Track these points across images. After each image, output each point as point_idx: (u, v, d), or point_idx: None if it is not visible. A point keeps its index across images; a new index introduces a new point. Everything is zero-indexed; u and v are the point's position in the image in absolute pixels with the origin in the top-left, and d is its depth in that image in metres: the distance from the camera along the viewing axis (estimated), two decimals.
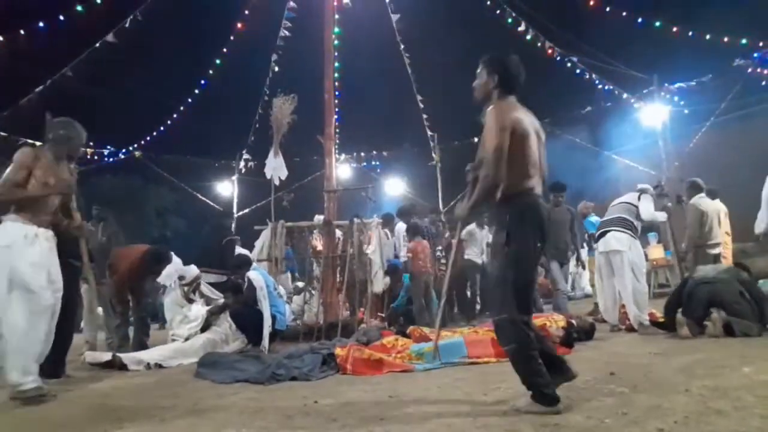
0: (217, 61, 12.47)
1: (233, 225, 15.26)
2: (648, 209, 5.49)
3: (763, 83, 11.62)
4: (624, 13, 11.30)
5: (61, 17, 9.82)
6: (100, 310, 6.01)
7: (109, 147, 14.01)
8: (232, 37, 12.11)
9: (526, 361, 2.55)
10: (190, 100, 13.29)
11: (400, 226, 8.16)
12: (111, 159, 14.26)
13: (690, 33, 11.10)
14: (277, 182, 7.89)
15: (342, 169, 15.07)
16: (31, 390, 3.48)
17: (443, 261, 7.98)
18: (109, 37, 10.24)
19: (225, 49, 12.30)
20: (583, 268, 8.91)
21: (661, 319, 5.21)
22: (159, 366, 5.03)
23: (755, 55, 11.10)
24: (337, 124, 9.44)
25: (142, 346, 5.68)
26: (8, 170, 3.67)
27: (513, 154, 2.61)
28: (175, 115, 13.62)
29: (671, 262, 9.37)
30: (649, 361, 3.76)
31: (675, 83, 12.79)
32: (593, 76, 12.55)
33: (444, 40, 14.88)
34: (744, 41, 10.99)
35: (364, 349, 4.36)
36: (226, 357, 4.79)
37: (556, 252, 6.63)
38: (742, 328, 4.41)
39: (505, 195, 2.65)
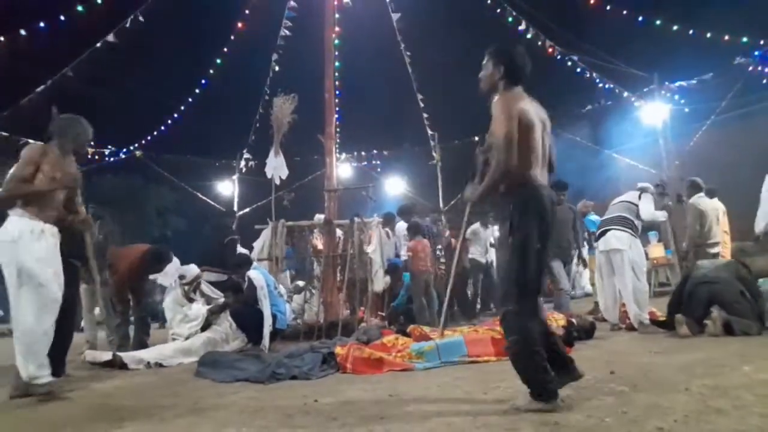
0: (218, 61, 12.47)
1: (234, 224, 15.26)
2: (648, 208, 5.49)
3: (764, 81, 11.59)
4: (624, 12, 11.28)
5: (62, 17, 9.82)
6: (97, 309, 6.03)
7: (109, 147, 14.04)
8: (232, 37, 12.11)
9: (528, 356, 2.55)
10: (190, 99, 13.27)
11: (401, 225, 8.17)
12: (112, 159, 14.30)
13: (690, 31, 11.07)
14: (277, 181, 7.90)
15: (342, 169, 15.05)
16: (46, 386, 3.51)
17: (442, 260, 7.98)
18: (110, 37, 10.24)
19: (225, 49, 12.29)
20: (585, 266, 8.91)
21: (662, 318, 5.21)
22: (159, 365, 5.04)
23: (756, 53, 11.07)
24: (337, 123, 9.45)
25: (142, 345, 5.69)
26: (16, 166, 3.69)
27: (517, 144, 2.62)
28: (175, 115, 13.61)
29: (672, 261, 9.39)
30: (649, 360, 3.76)
31: (675, 82, 12.77)
32: (594, 74, 12.53)
33: (444, 40, 14.88)
34: (745, 39, 10.95)
35: (364, 348, 4.37)
36: (226, 356, 4.80)
37: (559, 251, 6.60)
38: (742, 327, 4.41)
39: (508, 186, 2.66)
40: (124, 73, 15.63)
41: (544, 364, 2.54)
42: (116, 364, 4.89)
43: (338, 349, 4.34)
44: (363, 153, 17.32)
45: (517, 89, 2.78)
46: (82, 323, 5.92)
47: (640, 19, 11.28)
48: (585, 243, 8.53)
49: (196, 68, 13.40)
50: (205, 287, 6.33)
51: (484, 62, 2.85)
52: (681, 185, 7.83)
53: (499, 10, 11.32)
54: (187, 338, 5.60)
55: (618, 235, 5.42)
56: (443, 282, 7.52)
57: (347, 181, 14.82)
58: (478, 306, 8.80)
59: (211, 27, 15.30)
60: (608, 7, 11.10)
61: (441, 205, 14.95)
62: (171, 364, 5.10)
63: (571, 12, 12.69)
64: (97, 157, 13.35)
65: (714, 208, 6.71)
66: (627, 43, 12.71)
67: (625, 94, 13.00)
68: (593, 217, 8.13)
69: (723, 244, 6.80)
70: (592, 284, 7.95)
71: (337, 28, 9.18)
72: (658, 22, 11.28)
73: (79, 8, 9.68)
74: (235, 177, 16.45)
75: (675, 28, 11.16)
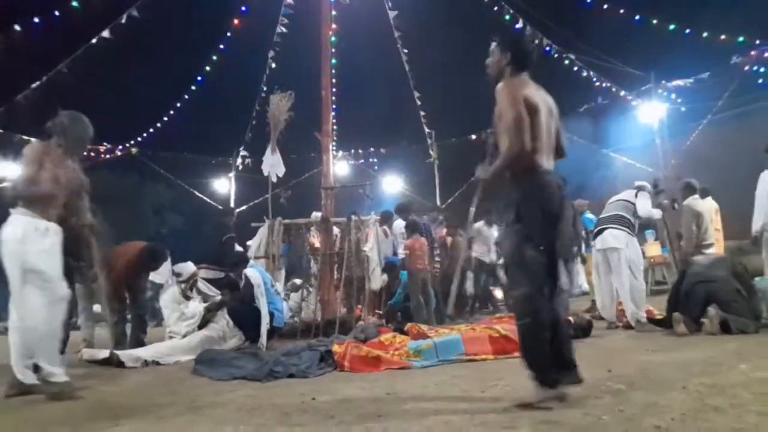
0: (214, 58, 12.43)
1: (232, 222, 15.22)
2: (645, 206, 5.50)
3: (760, 81, 11.63)
4: (621, 11, 11.30)
5: (57, 13, 9.76)
6: (97, 307, 6.00)
7: (105, 144, 13.98)
8: (228, 34, 12.07)
9: (537, 339, 2.57)
10: (186, 96, 13.25)
11: (399, 223, 8.16)
12: (107, 156, 14.24)
13: (687, 30, 11.10)
14: (274, 179, 7.87)
15: (339, 166, 15.04)
16: (61, 384, 3.51)
17: (437, 259, 7.96)
18: (105, 33, 10.19)
19: (222, 46, 12.26)
20: (584, 262, 8.92)
21: (659, 317, 5.22)
22: (156, 363, 5.02)
23: (756, 42, 11.00)
24: (334, 120, 9.43)
25: (139, 343, 5.66)
26: (21, 166, 3.70)
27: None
28: (171, 112, 13.59)
29: (668, 260, 9.40)
30: (646, 358, 3.77)
31: (672, 81, 12.80)
32: (590, 73, 12.55)
33: (442, 38, 14.85)
34: (741, 39, 10.99)
35: (361, 346, 4.36)
36: (223, 354, 4.79)
37: (561, 249, 6.58)
38: (739, 326, 4.42)
39: (513, 172, 2.66)
40: (119, 70, 15.53)
41: (548, 352, 2.55)
42: (113, 362, 4.87)
43: (336, 347, 4.34)
44: (360, 151, 17.33)
45: (523, 75, 2.80)
46: (79, 321, 5.90)
47: (637, 18, 11.31)
48: (582, 241, 8.55)
49: (193, 65, 13.35)
50: (202, 285, 6.32)
51: (492, 49, 2.88)
52: (677, 185, 7.84)
53: (496, 8, 11.33)
54: (184, 336, 5.58)
55: (615, 233, 5.43)
56: (438, 280, 7.53)
57: (344, 179, 14.82)
58: (477, 305, 8.79)
59: (208, 23, 15.23)
60: (605, 6, 11.12)
61: (438, 202, 14.96)
62: (168, 362, 5.08)
63: (568, 10, 12.70)
64: (92, 154, 13.33)
65: (708, 208, 6.74)
66: (624, 42, 12.72)
67: (622, 93, 13.03)
68: (588, 215, 8.13)
69: (716, 242, 6.82)
70: (589, 283, 7.96)
71: (333, 26, 9.15)
72: (654, 21, 11.30)
73: (75, 4, 9.63)
74: (231, 174, 16.42)
75: (672, 27, 11.19)
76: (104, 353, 5.02)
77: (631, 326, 5.31)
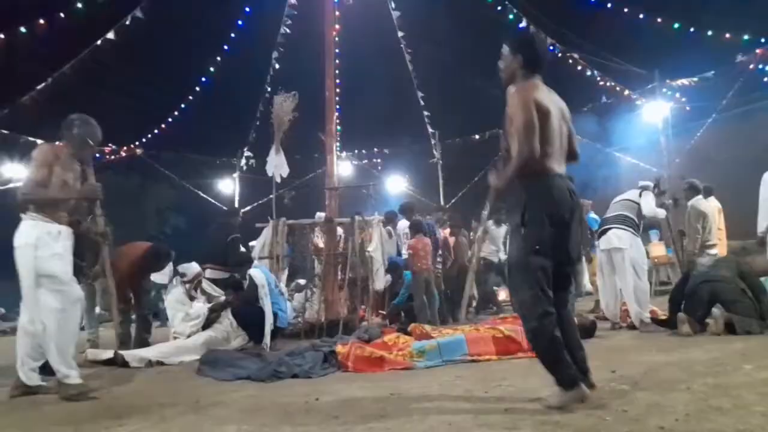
0: (218, 59, 12.46)
1: (238, 222, 15.25)
2: (650, 205, 5.48)
3: (765, 79, 11.57)
4: (626, 9, 11.26)
5: (62, 14, 9.80)
6: (97, 309, 6.05)
7: (110, 145, 14.03)
8: (233, 35, 12.10)
9: (546, 342, 2.55)
10: (191, 97, 13.28)
11: (403, 224, 8.16)
12: (112, 156, 14.29)
13: (692, 29, 11.05)
14: (278, 180, 7.89)
15: (343, 167, 15.05)
16: (76, 386, 3.53)
17: (439, 260, 7.95)
18: (110, 35, 10.23)
19: (226, 47, 12.28)
20: (589, 261, 8.89)
21: (662, 317, 5.20)
22: (160, 363, 5.04)
23: (761, 40, 10.95)
24: (338, 121, 9.44)
25: (143, 343, 5.69)
26: (30, 170, 3.71)
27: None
28: (176, 113, 13.62)
29: (672, 260, 9.36)
30: (650, 358, 3.76)
31: (677, 79, 12.75)
32: (594, 72, 12.51)
33: (445, 38, 14.85)
34: (746, 37, 10.94)
35: (365, 347, 4.36)
36: (227, 354, 4.80)
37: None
38: (744, 326, 4.40)
39: (522, 175, 2.65)
40: (124, 71, 15.60)
41: (564, 353, 2.54)
42: (118, 363, 4.90)
43: (339, 348, 4.34)
44: (364, 151, 17.34)
45: (534, 78, 2.77)
46: (83, 322, 5.93)
47: (642, 16, 11.27)
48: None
49: (197, 66, 13.39)
50: (207, 285, 6.34)
51: (503, 52, 2.86)
52: (680, 184, 7.81)
53: (499, 8, 11.31)
54: (188, 337, 5.60)
55: (619, 233, 5.41)
56: (439, 281, 7.52)
57: (348, 179, 14.83)
58: (474, 304, 8.77)
59: (212, 25, 15.28)
60: (609, 5, 11.09)
61: (442, 202, 14.95)
62: (172, 362, 5.10)
63: (572, 9, 12.67)
64: (97, 155, 13.38)
65: (712, 208, 6.71)
66: (628, 41, 12.69)
67: (626, 92, 12.98)
68: (593, 215, 8.11)
69: (719, 241, 6.79)
70: (592, 283, 7.94)
71: (337, 26, 9.16)
72: (659, 20, 11.26)
73: (79, 5, 9.67)
74: (235, 175, 16.45)
75: (676, 25, 11.14)
76: (109, 353, 5.05)
77: (635, 327, 5.30)
